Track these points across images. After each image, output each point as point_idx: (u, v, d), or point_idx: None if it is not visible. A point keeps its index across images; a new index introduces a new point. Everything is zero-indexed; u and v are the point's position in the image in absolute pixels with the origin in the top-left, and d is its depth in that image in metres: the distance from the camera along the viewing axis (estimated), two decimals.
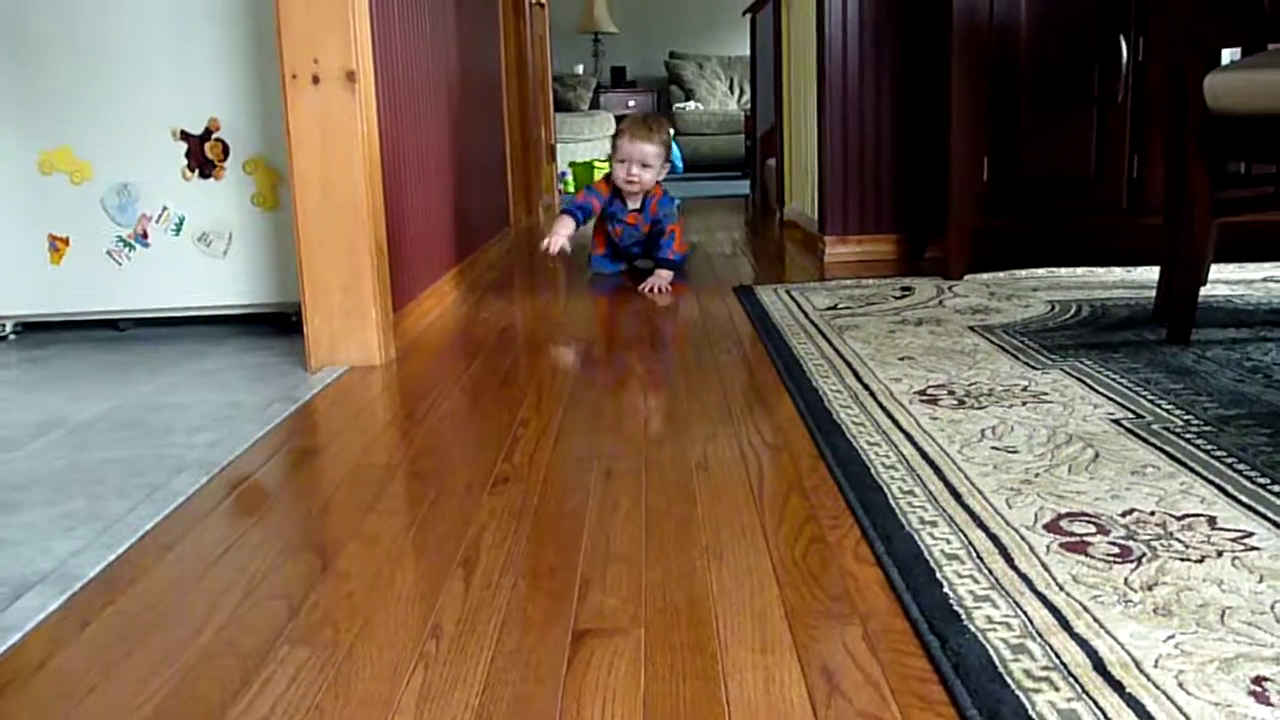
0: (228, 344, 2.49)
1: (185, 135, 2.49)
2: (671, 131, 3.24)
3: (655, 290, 2.96)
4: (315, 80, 2.07)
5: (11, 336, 2.66)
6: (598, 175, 5.25)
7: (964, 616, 0.99)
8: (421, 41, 2.80)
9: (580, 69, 9.34)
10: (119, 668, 0.97)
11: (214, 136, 2.49)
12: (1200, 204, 2.03)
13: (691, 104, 8.99)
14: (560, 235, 3.10)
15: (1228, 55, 2.32)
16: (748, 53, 6.23)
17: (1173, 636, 0.94)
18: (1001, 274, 2.96)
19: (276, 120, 2.39)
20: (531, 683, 0.91)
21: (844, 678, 0.90)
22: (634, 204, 3.17)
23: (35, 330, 2.70)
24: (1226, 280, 2.70)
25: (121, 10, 2.44)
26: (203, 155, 2.49)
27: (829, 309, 2.57)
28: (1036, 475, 1.36)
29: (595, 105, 9.07)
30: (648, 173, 3.11)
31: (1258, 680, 0.86)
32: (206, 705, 0.90)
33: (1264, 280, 2.70)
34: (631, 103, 9.30)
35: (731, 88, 9.31)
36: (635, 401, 1.88)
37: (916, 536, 1.18)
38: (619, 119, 3.25)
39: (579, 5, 9.14)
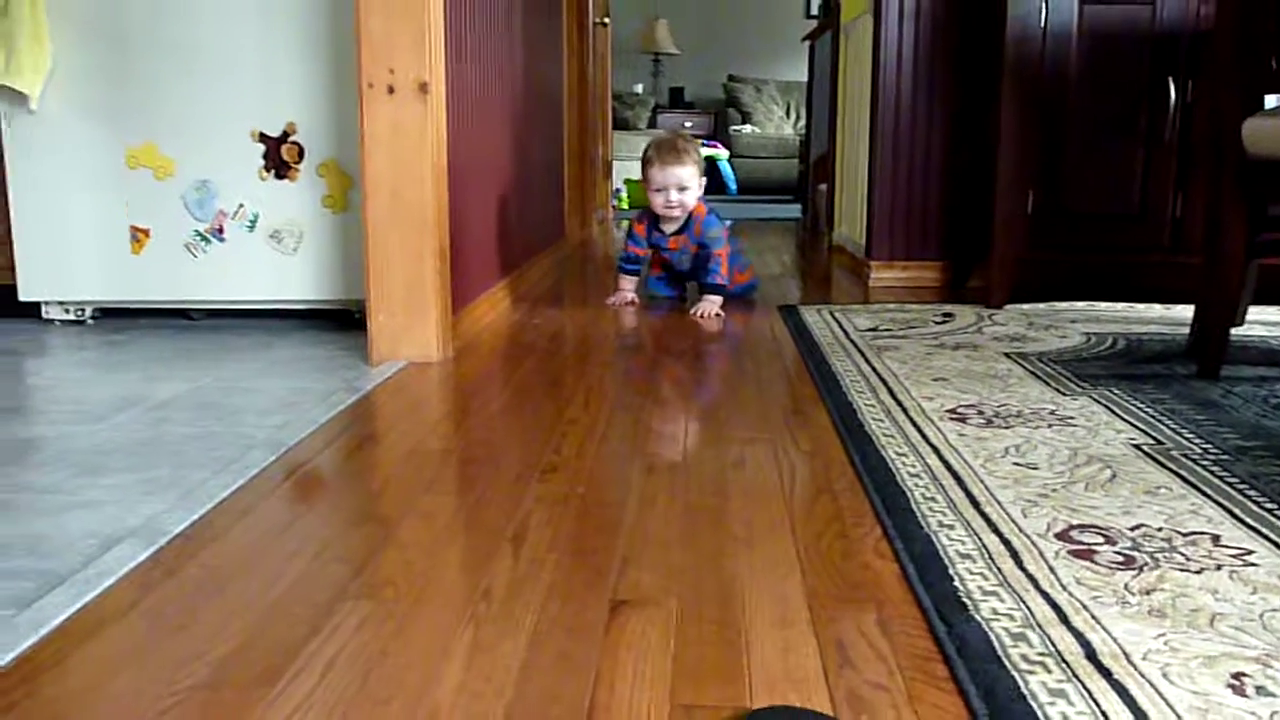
0: (293, 337, 2.62)
1: (264, 137, 2.63)
2: (702, 148, 3.25)
3: (702, 316, 2.92)
4: (390, 90, 2.20)
5: (90, 321, 2.81)
6: None
7: (971, 607, 1.07)
8: (490, 57, 2.93)
9: (639, 88, 9.49)
10: (202, 611, 1.08)
11: (290, 139, 2.62)
12: (1235, 244, 2.09)
13: (748, 127, 9.10)
14: (625, 291, 3.13)
15: (1272, 100, 2.38)
16: (805, 79, 6.32)
17: (1163, 635, 1.02)
18: (1041, 305, 3.03)
19: (350, 126, 2.52)
20: (573, 641, 1.01)
21: (856, 652, 0.99)
22: (672, 228, 3.12)
23: (112, 316, 2.85)
24: (1264, 322, 2.75)
25: (210, 13, 2.58)
26: (279, 157, 2.63)
27: (870, 330, 2.66)
28: (1054, 490, 1.44)
29: (653, 124, 9.21)
30: (687, 194, 3.05)
31: (1237, 675, 0.94)
32: (282, 645, 1.00)
33: None
34: (688, 123, 9.43)
35: (788, 112, 9.41)
36: (678, 407, 1.98)
37: (934, 537, 1.26)
38: (646, 149, 3.15)
39: (641, 25, 9.30)
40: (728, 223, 3.26)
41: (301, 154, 2.63)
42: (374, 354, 2.28)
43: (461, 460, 1.61)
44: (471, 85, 2.69)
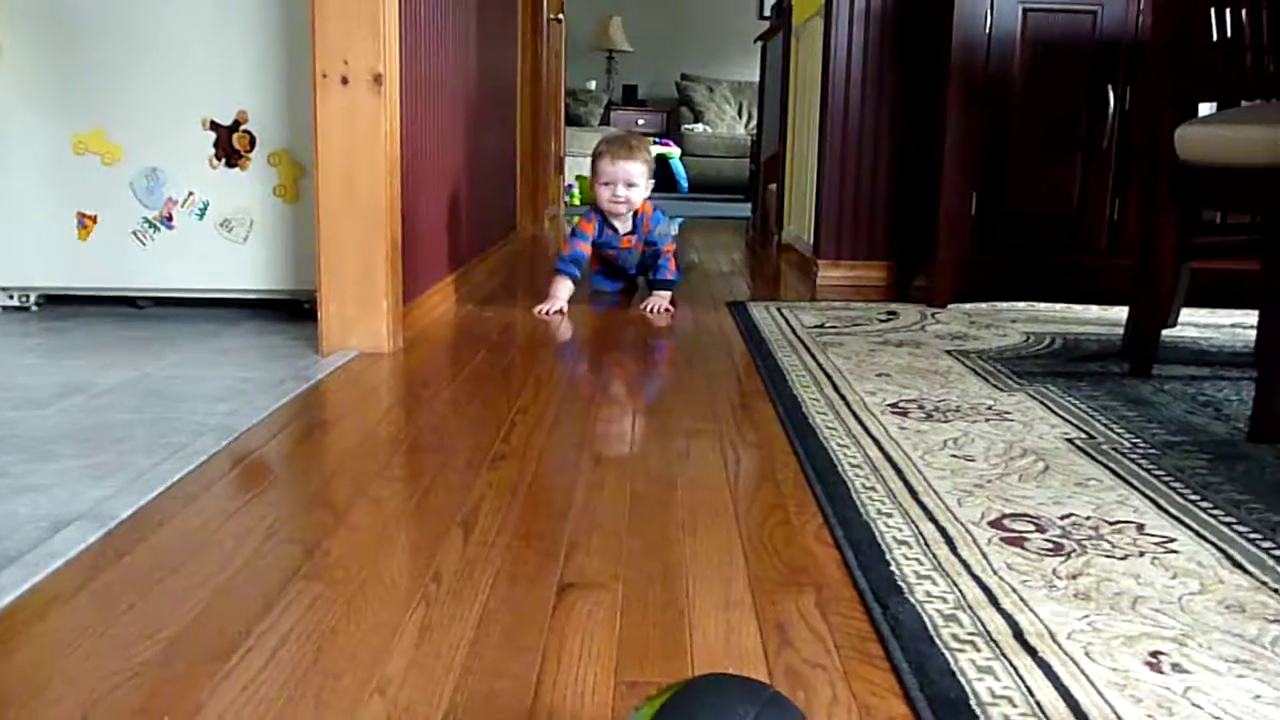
0: (242, 326, 2.61)
1: (215, 125, 2.62)
2: (654, 146, 3.24)
3: (653, 310, 2.94)
4: (344, 81, 2.20)
5: (34, 308, 2.78)
6: None
7: (906, 590, 1.11)
8: (444, 50, 2.94)
9: (593, 85, 9.51)
10: (154, 591, 1.09)
11: (242, 128, 2.62)
12: (1167, 247, 2.16)
13: (700, 126, 9.15)
14: (558, 299, 2.94)
15: (1207, 109, 2.46)
16: (757, 79, 6.38)
17: (1087, 616, 1.06)
18: (984, 305, 3.09)
19: (302, 116, 2.52)
20: (520, 621, 1.04)
21: (795, 633, 1.03)
22: (624, 226, 3.10)
23: (58, 303, 2.82)
24: (1197, 324, 2.83)
25: (162, 1, 2.57)
26: (230, 145, 2.62)
27: (816, 327, 2.70)
28: (989, 481, 1.48)
29: (606, 121, 9.23)
30: (635, 191, 3.04)
31: (1154, 654, 0.99)
32: (234, 622, 1.02)
33: (1232, 326, 2.84)
34: (641, 120, 9.46)
35: (740, 112, 9.47)
36: (626, 399, 2.01)
37: (873, 525, 1.30)
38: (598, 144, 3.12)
39: (595, 22, 9.31)
40: (680, 220, 3.28)
41: (253, 143, 2.62)
42: (324, 343, 2.28)
43: (412, 448, 1.63)
44: (425, 78, 2.70)
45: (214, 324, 2.63)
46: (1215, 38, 2.01)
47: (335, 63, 2.20)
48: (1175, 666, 0.96)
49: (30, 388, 1.97)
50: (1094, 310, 3.04)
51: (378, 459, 1.56)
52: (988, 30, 3.01)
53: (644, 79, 9.76)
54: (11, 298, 2.76)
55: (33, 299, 2.78)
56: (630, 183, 3.03)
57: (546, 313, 2.89)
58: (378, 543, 1.24)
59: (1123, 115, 3.04)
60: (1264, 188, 1.81)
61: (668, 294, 3.03)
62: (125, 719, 0.85)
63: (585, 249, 3.09)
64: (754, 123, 8.35)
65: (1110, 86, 3.02)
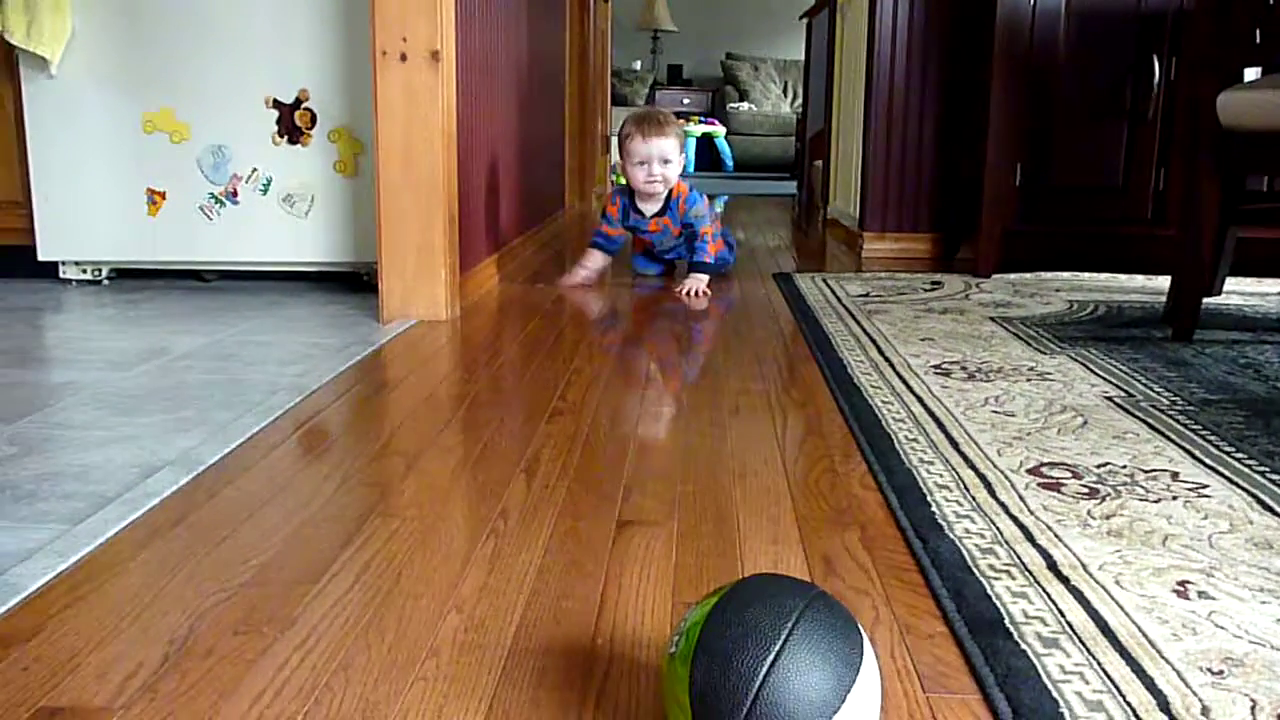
0: (305, 297, 2.71)
1: (277, 103, 2.71)
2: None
3: (689, 294, 2.82)
4: (403, 57, 2.29)
5: (106, 282, 2.90)
6: None
7: (946, 528, 1.18)
8: (496, 29, 3.01)
9: (638, 65, 9.55)
10: (243, 526, 1.18)
11: (303, 106, 2.71)
12: (1209, 212, 2.19)
13: (745, 105, 9.17)
14: (587, 267, 2.96)
15: (1251, 74, 2.48)
16: (802, 57, 6.40)
17: (1119, 551, 1.12)
18: (1028, 275, 3.13)
19: (360, 93, 2.61)
20: (583, 552, 1.11)
21: (840, 564, 1.10)
22: (652, 207, 2.98)
23: (127, 277, 2.94)
24: (1242, 292, 2.85)
25: None
26: (292, 123, 2.72)
27: (861, 296, 2.76)
28: (1028, 434, 1.54)
29: (651, 101, 9.28)
30: (670, 168, 2.92)
31: (1182, 583, 1.05)
32: (319, 551, 1.11)
33: (1278, 294, 2.85)
34: (686, 100, 9.50)
35: (785, 91, 9.48)
36: (678, 361, 2.08)
37: (915, 471, 1.37)
38: (622, 125, 3.01)
39: (640, 2, 9.35)
40: (722, 197, 3.21)
41: (314, 120, 2.72)
42: (385, 312, 2.37)
43: (474, 404, 1.71)
44: (479, 56, 2.77)
45: (278, 295, 2.73)
46: (1258, 2, 2.04)
47: (394, 40, 2.28)
48: (1201, 594, 1.02)
49: (111, 351, 2.07)
50: (1139, 280, 3.06)
51: (442, 413, 1.64)
52: (1032, 3, 3.03)
53: (689, 58, 9.79)
54: (84, 272, 2.88)
55: (104, 273, 2.90)
56: (665, 159, 2.92)
57: (568, 285, 2.90)
58: (447, 485, 1.32)
59: (1168, 85, 3.05)
60: None
61: (705, 277, 2.89)
62: (228, 628, 0.94)
63: (612, 232, 3.01)
64: (799, 101, 8.37)
65: (1156, 57, 3.03)
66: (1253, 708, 0.82)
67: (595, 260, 2.99)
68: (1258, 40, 2.12)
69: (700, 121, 8.91)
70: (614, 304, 2.74)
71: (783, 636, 0.67)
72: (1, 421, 1.59)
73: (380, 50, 2.29)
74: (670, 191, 2.98)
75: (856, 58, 3.88)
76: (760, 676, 0.66)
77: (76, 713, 0.81)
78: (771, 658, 0.67)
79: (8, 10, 2.61)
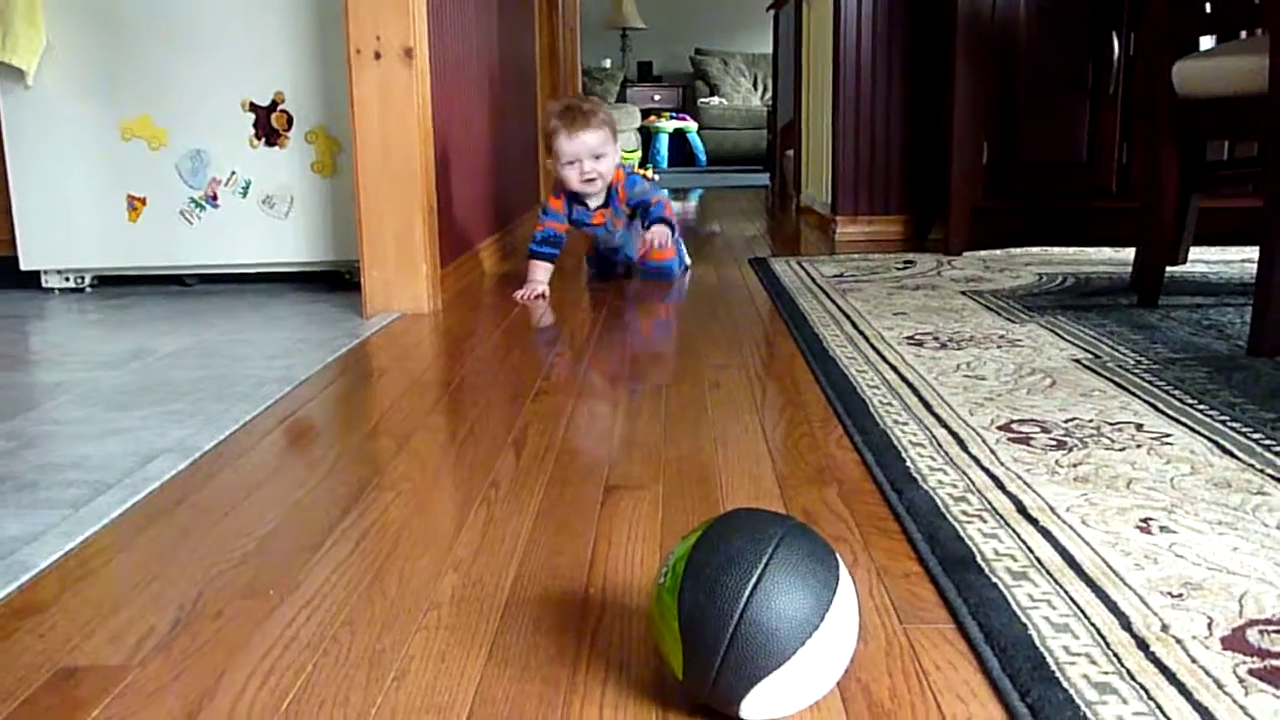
0: (288, 297, 2.74)
1: (254, 106, 2.75)
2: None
3: (655, 244, 2.74)
4: (377, 56, 2.32)
5: (89, 289, 2.93)
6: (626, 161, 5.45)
7: (920, 480, 1.23)
8: (467, 27, 3.05)
9: (608, 63, 9.60)
10: (243, 504, 1.22)
11: (279, 108, 2.74)
12: (1169, 180, 2.25)
13: (716, 99, 9.23)
14: (537, 282, 2.70)
15: (1207, 42, 2.54)
16: (770, 50, 6.46)
17: (1085, 494, 1.17)
18: (999, 251, 3.19)
19: (335, 93, 2.65)
20: (573, 515, 1.16)
21: (819, 516, 1.14)
22: (595, 200, 2.79)
23: (110, 284, 2.96)
24: (1206, 260, 2.92)
25: None
26: (269, 125, 2.75)
27: (835, 276, 2.81)
28: (999, 395, 1.59)
29: (621, 98, 9.32)
30: (603, 163, 2.70)
31: (1144, 520, 1.10)
32: (319, 523, 1.15)
33: (1242, 261, 2.92)
34: (657, 96, 9.55)
35: (755, 84, 9.54)
36: (658, 341, 2.13)
37: (890, 432, 1.42)
38: (556, 114, 2.73)
39: (608, 0, 9.39)
40: (694, 194, 3.16)
41: (290, 122, 2.75)
42: (368, 306, 2.41)
43: (460, 388, 1.75)
44: (451, 54, 2.81)
45: (261, 296, 2.76)
46: None
47: (368, 38, 2.32)
48: (1163, 529, 1.07)
49: (99, 353, 2.10)
50: (1105, 252, 3.13)
51: (429, 398, 1.68)
52: None
53: (658, 55, 9.84)
54: (67, 280, 2.91)
55: (87, 280, 2.92)
56: (596, 154, 2.68)
57: (526, 298, 2.64)
58: (438, 461, 1.36)
59: (1127, 61, 3.11)
60: (1256, 113, 1.90)
61: (666, 230, 2.76)
62: (236, 593, 0.98)
63: (557, 227, 2.79)
64: (769, 94, 8.42)
65: (1114, 33, 3.10)
66: (1209, 624, 0.87)
67: (542, 272, 2.73)
68: (1208, 9, 2.18)
69: (672, 117, 8.96)
70: (591, 294, 2.78)
71: (763, 561, 0.72)
72: None
73: (355, 49, 2.33)
74: (609, 184, 2.78)
75: (823, 46, 3.94)
76: (744, 599, 0.71)
77: (94, 671, 0.84)
78: (754, 581, 0.71)
79: None
